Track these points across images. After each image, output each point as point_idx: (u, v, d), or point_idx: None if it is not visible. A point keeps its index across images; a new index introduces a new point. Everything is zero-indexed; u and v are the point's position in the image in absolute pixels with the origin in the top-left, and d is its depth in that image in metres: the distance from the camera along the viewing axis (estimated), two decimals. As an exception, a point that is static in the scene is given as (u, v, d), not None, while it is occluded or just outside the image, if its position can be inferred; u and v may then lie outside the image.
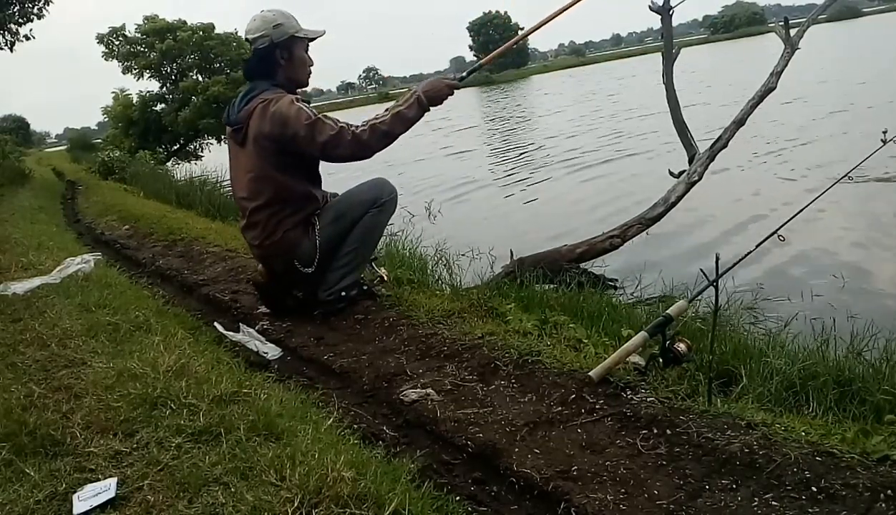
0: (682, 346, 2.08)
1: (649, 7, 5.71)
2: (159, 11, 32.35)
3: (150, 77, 23.56)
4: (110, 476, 1.60)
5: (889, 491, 1.44)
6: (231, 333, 3.05)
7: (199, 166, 17.48)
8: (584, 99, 28.40)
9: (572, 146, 13.89)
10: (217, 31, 23.55)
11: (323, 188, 3.22)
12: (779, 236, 2.36)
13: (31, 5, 15.57)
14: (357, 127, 2.91)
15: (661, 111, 7.14)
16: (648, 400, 1.98)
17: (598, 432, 1.88)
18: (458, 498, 1.67)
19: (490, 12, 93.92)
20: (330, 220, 3.10)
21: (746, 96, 5.52)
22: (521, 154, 14.42)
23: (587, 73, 57.10)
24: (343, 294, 3.13)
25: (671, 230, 6.02)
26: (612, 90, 29.79)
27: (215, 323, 3.19)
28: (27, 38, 15.93)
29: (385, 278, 3.70)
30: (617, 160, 11.45)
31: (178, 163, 21.97)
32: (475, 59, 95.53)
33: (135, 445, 1.76)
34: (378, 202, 3.11)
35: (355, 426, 2.09)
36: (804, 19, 5.86)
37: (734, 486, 1.57)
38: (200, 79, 23.17)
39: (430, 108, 2.96)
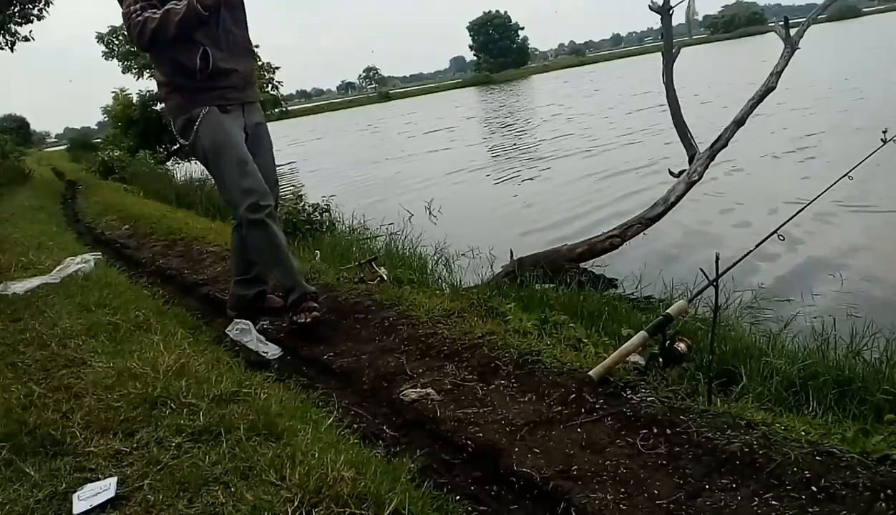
0: (682, 346, 2.08)
1: (649, 7, 5.71)
2: (159, 11, 32.22)
3: (150, 76, 23.54)
4: (110, 476, 1.60)
5: (889, 491, 1.44)
6: (238, 334, 3.03)
7: (199, 166, 17.48)
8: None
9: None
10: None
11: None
12: (779, 236, 2.36)
13: (31, 6, 15.57)
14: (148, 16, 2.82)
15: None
16: (648, 399, 1.98)
17: (598, 432, 1.88)
18: (458, 498, 1.67)
19: (490, 12, 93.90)
20: (206, 149, 3.00)
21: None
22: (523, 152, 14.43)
23: (589, 72, 57.11)
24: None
25: (671, 230, 6.02)
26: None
27: (227, 331, 3.14)
28: (27, 39, 15.94)
29: (385, 278, 3.70)
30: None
31: (178, 163, 21.95)
32: (475, 58, 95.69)
33: (135, 445, 1.76)
34: (237, 212, 3.06)
35: (355, 426, 2.09)
36: (804, 19, 5.86)
37: (734, 486, 1.57)
38: (200, 78, 23.14)
39: (200, 9, 2.75)
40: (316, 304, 3.03)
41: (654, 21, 8.78)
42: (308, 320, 2.95)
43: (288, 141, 28.38)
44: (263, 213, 2.91)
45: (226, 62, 2.92)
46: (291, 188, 12.75)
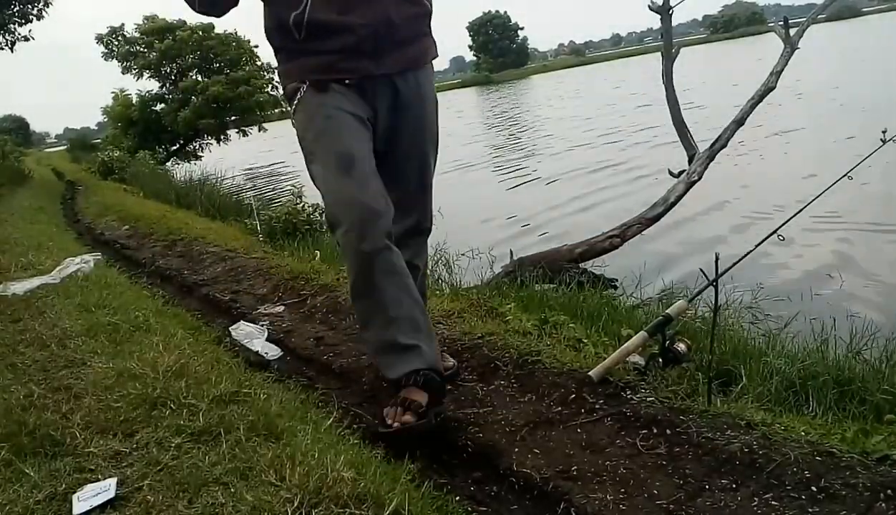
0: (681, 346, 2.08)
1: (649, 7, 5.71)
2: (159, 12, 32.33)
3: (149, 77, 23.58)
4: (110, 477, 1.60)
5: (889, 491, 1.44)
6: (242, 335, 3.02)
7: (199, 166, 17.48)
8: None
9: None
10: (217, 31, 23.55)
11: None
12: (779, 236, 2.36)
13: (30, 6, 15.59)
14: None
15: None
16: (648, 399, 1.98)
17: (598, 432, 1.88)
18: (458, 498, 1.67)
19: (489, 12, 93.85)
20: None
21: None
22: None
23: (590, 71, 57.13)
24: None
25: (671, 230, 6.02)
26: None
27: (231, 329, 3.14)
28: (27, 39, 15.95)
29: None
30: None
31: (178, 163, 21.98)
32: (475, 58, 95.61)
33: (134, 445, 1.76)
34: (336, 232, 1.92)
35: (355, 426, 2.09)
36: (804, 19, 5.86)
37: (734, 486, 1.57)
38: (200, 79, 23.17)
39: None
40: (422, 400, 1.88)
41: (654, 21, 8.78)
42: (397, 425, 1.87)
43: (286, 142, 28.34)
44: (366, 244, 1.79)
45: (331, 11, 1.78)
46: (290, 187, 12.77)
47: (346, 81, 1.87)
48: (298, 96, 1.91)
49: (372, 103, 1.92)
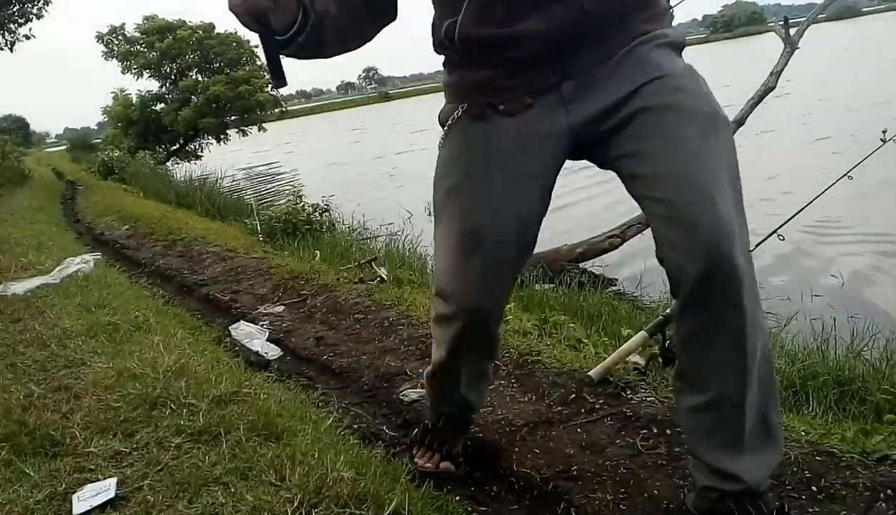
0: (681, 346, 2.08)
1: (649, 7, 5.70)
2: (158, 11, 32.32)
3: (149, 76, 23.58)
4: (110, 477, 1.60)
5: (889, 491, 1.44)
6: (242, 335, 3.03)
7: (199, 166, 17.49)
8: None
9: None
10: (217, 30, 23.56)
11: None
12: (778, 236, 2.36)
13: (30, 5, 15.59)
14: None
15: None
16: (648, 399, 1.98)
17: (598, 432, 1.88)
18: (458, 498, 1.67)
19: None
20: None
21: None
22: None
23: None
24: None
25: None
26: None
27: (231, 329, 3.14)
28: (27, 38, 15.96)
29: (385, 278, 3.70)
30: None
31: (178, 163, 21.96)
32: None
33: (134, 445, 1.76)
34: (437, 300, 1.52)
35: (355, 426, 2.09)
36: (804, 19, 5.85)
37: (734, 486, 1.57)
38: (200, 78, 23.18)
39: None
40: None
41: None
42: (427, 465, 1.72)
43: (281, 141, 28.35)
44: (465, 324, 1.44)
45: (488, 24, 1.27)
46: (290, 187, 12.77)
47: (513, 101, 1.31)
48: (451, 121, 1.41)
49: (583, 108, 1.27)
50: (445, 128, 1.43)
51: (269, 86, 23.35)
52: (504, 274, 1.40)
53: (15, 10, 15.55)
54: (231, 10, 1.06)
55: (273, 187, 14.99)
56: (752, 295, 1.18)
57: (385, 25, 1.36)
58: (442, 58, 1.43)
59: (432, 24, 1.41)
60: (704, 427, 1.29)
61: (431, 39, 1.43)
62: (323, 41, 1.20)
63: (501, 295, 1.45)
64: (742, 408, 1.22)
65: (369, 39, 1.37)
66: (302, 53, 1.19)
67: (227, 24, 23.97)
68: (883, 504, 1.42)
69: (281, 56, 1.13)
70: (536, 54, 1.26)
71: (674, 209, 1.16)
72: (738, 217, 1.18)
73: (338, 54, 1.29)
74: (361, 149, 22.35)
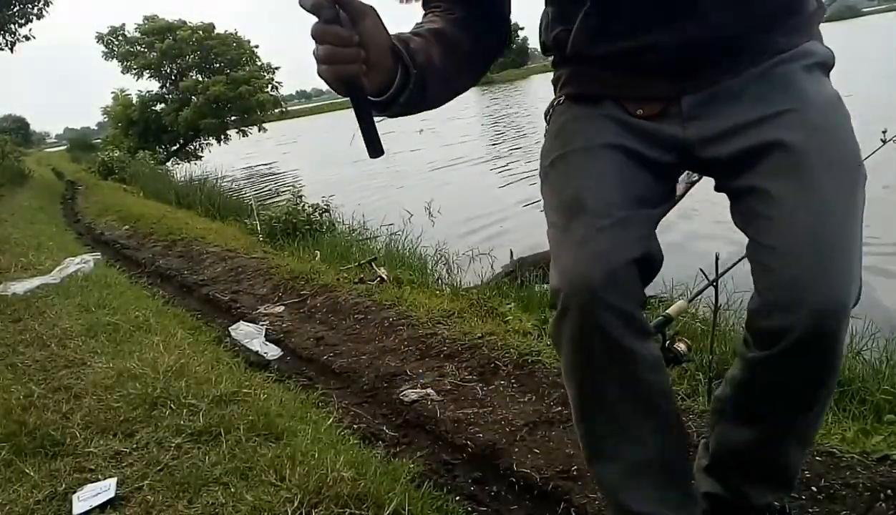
0: (681, 346, 2.07)
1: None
2: (158, 12, 32.36)
3: (149, 77, 23.62)
4: (110, 477, 1.60)
5: (889, 491, 1.44)
6: (241, 335, 3.03)
7: (199, 166, 17.49)
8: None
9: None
10: (217, 31, 23.58)
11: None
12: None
13: (31, 6, 15.61)
14: None
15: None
16: (648, 399, 1.98)
17: (598, 432, 1.88)
18: (458, 498, 1.67)
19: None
20: None
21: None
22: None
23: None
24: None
25: (671, 230, 6.02)
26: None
27: (231, 329, 3.14)
28: (27, 39, 15.97)
29: (385, 278, 3.70)
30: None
31: (178, 163, 21.97)
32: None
33: (134, 445, 1.76)
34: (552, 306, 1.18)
35: (355, 426, 2.10)
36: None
37: (734, 486, 1.57)
38: (200, 79, 23.20)
39: None
40: None
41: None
42: None
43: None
44: (576, 319, 1.07)
45: (607, 40, 1.12)
46: (290, 187, 12.79)
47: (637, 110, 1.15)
48: (551, 112, 1.26)
49: (699, 128, 1.11)
50: (551, 111, 1.26)
51: (270, 86, 23.41)
52: (615, 241, 1.07)
53: (15, 10, 15.57)
54: (319, 75, 0.91)
55: (271, 186, 14.99)
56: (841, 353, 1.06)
57: (495, 60, 1.23)
58: (560, 59, 1.25)
59: (541, 21, 1.27)
60: (735, 452, 1.19)
61: (538, 34, 1.29)
62: (428, 96, 1.03)
63: (618, 267, 1.05)
64: (784, 451, 1.16)
65: (478, 80, 1.23)
66: (403, 114, 1.04)
67: (227, 24, 23.96)
68: (883, 504, 1.42)
69: (377, 119, 0.96)
70: (656, 66, 1.12)
71: (791, 270, 0.99)
72: (855, 285, 1.02)
73: (445, 103, 1.16)
74: (361, 149, 22.32)
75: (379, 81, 0.95)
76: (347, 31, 0.86)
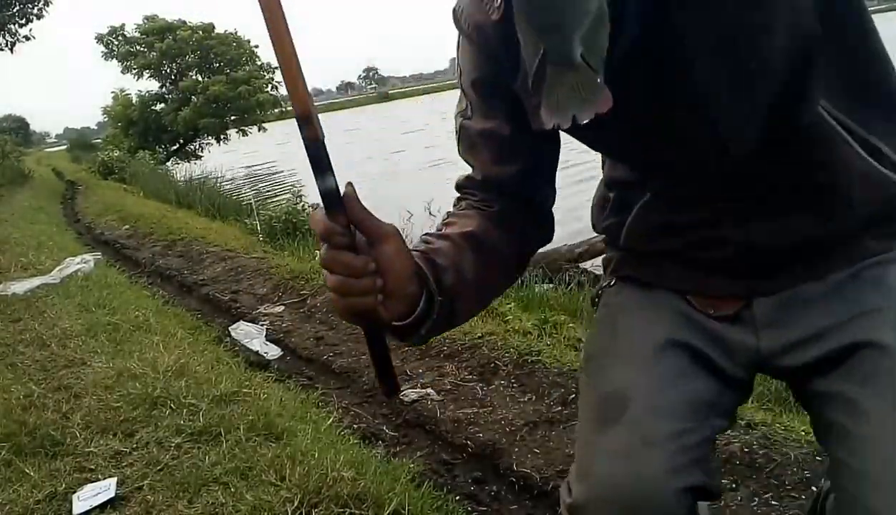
0: None
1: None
2: (158, 12, 32.37)
3: (149, 77, 23.62)
4: (110, 477, 1.60)
5: (889, 491, 1.44)
6: (241, 335, 3.03)
7: (199, 166, 17.48)
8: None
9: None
10: (217, 30, 23.58)
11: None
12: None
13: (30, 6, 15.62)
14: None
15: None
16: (648, 399, 1.98)
17: (598, 432, 1.88)
18: (457, 498, 1.67)
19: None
20: None
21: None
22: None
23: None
24: None
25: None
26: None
27: (231, 329, 3.14)
28: (27, 39, 15.98)
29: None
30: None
31: (178, 163, 21.97)
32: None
33: (134, 445, 1.76)
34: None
35: (355, 426, 2.10)
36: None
37: (734, 486, 1.57)
38: (200, 78, 23.21)
39: None
40: None
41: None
42: None
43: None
44: None
45: (672, 232, 0.94)
46: (291, 187, 12.80)
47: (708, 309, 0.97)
48: (600, 291, 1.10)
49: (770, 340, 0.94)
50: (599, 293, 1.10)
51: (269, 86, 23.40)
52: (665, 461, 0.87)
53: (15, 10, 15.58)
54: (335, 309, 0.81)
55: (270, 186, 15.00)
56: None
57: (534, 254, 1.05)
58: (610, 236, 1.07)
59: (593, 200, 1.08)
60: None
61: (591, 213, 1.10)
62: (455, 319, 0.90)
63: (665, 498, 0.85)
64: None
65: (514, 282, 1.12)
66: (423, 342, 0.91)
67: (227, 24, 24.00)
68: (883, 504, 1.42)
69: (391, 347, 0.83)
70: (723, 264, 0.94)
71: (879, 505, 0.81)
72: None
73: (470, 318, 1.04)
74: (361, 148, 22.39)
75: (398, 311, 0.81)
76: (362, 258, 0.74)
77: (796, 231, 0.90)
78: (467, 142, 0.94)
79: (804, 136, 0.82)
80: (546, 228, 1.01)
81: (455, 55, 0.98)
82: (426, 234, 0.89)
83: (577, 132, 0.83)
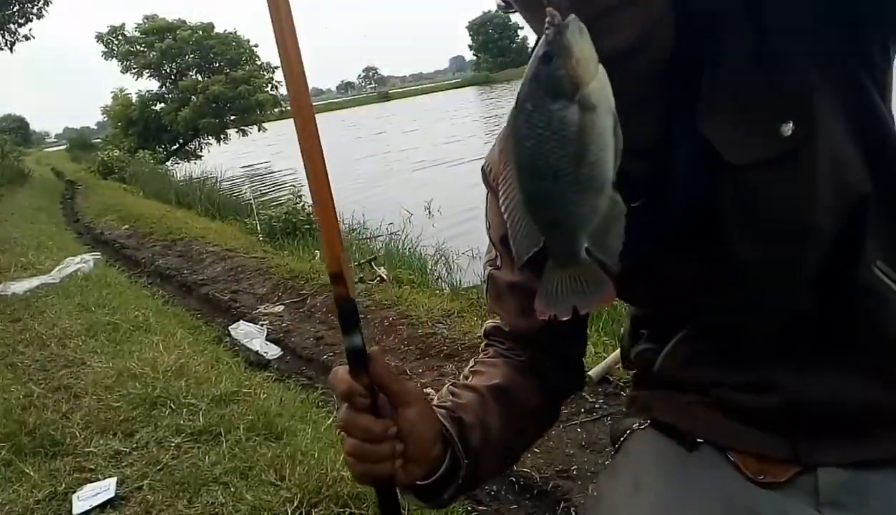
0: (681, 346, 2.08)
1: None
2: (158, 11, 32.42)
3: (149, 76, 23.62)
4: (110, 476, 1.60)
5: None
6: (241, 335, 3.03)
7: (199, 166, 17.48)
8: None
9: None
10: (217, 30, 23.59)
11: None
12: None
13: (30, 5, 15.62)
14: None
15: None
16: (648, 399, 1.99)
17: (598, 431, 1.89)
18: (457, 498, 1.67)
19: (489, 12, 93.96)
20: None
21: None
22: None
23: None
24: None
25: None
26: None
27: (230, 329, 3.15)
28: (27, 38, 15.98)
29: (385, 278, 3.70)
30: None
31: (178, 163, 21.97)
32: (475, 58, 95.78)
33: (134, 445, 1.76)
34: None
35: (355, 425, 2.10)
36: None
37: (734, 485, 1.57)
38: (200, 78, 23.21)
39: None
40: None
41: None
42: None
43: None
44: None
45: (714, 365, 0.82)
46: (291, 187, 12.80)
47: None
48: (628, 432, 0.92)
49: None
50: (627, 434, 0.93)
51: (269, 86, 23.41)
52: None
53: (15, 10, 15.58)
54: (351, 472, 0.74)
55: (269, 186, 14.98)
56: None
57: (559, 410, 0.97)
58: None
59: (624, 332, 1.00)
60: None
61: (620, 345, 1.04)
62: (480, 479, 0.83)
63: None
64: None
65: (543, 435, 1.01)
66: (445, 507, 0.83)
67: (227, 23, 24.00)
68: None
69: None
70: (774, 415, 0.80)
71: None
72: None
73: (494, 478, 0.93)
74: (361, 147, 22.40)
75: (418, 475, 0.74)
76: (382, 422, 0.69)
77: (855, 392, 0.76)
78: (495, 291, 0.90)
79: (858, 297, 0.73)
80: (576, 377, 0.95)
81: (485, 206, 0.90)
82: (453, 384, 0.84)
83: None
